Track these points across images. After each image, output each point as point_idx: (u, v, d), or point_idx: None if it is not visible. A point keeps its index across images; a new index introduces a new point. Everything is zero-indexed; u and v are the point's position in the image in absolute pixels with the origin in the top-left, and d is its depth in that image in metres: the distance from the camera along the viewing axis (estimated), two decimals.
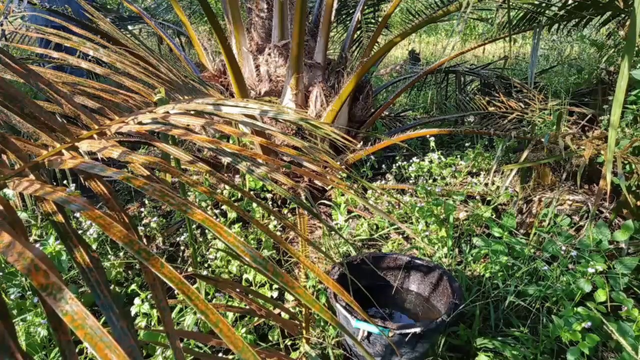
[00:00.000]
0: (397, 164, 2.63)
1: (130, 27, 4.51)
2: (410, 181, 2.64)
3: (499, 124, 2.87)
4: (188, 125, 0.77)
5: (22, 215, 1.94)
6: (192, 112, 0.83)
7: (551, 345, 1.56)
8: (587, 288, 1.62)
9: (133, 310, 1.51)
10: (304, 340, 1.47)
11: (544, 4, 2.88)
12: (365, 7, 3.83)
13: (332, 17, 2.72)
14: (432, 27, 9.80)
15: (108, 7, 5.23)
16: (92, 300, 1.74)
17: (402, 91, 3.36)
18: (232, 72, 2.20)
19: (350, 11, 4.42)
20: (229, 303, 1.58)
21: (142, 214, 2.12)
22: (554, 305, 1.69)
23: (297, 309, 1.63)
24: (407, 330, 1.34)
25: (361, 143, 2.80)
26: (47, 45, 3.43)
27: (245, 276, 1.80)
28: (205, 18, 2.13)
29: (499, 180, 2.56)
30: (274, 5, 2.63)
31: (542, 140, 2.31)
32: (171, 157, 0.76)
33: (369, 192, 2.45)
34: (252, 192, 2.33)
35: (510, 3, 2.57)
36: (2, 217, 0.47)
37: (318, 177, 0.74)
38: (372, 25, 4.42)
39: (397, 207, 2.43)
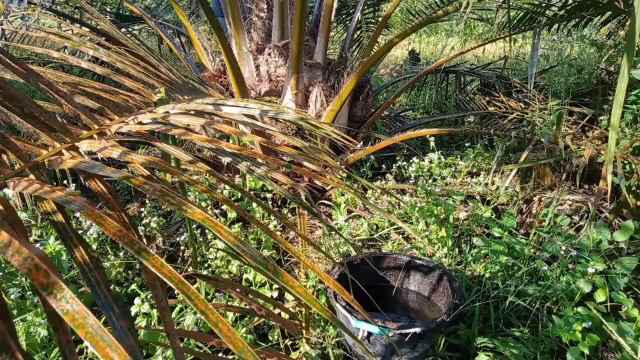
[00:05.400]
0: (397, 164, 2.63)
1: (136, 27, 4.50)
2: (410, 181, 2.64)
3: (499, 124, 2.87)
4: (188, 125, 0.77)
5: (22, 215, 1.94)
6: (192, 112, 0.83)
7: (551, 345, 1.56)
8: (587, 288, 1.62)
9: (133, 310, 1.51)
10: (304, 340, 1.47)
11: (544, 4, 2.88)
12: (365, 7, 3.83)
13: (332, 17, 2.72)
14: (432, 27, 9.79)
15: (108, 6, 5.23)
16: (92, 300, 1.74)
17: (402, 91, 3.35)
18: (232, 72, 2.20)
19: (350, 11, 4.42)
20: (229, 303, 1.58)
21: (142, 214, 2.12)
22: (554, 305, 1.69)
23: (297, 309, 1.63)
24: (407, 330, 1.34)
25: (361, 143, 2.80)
26: None
27: (245, 276, 1.80)
28: (205, 18, 2.13)
29: (499, 180, 2.56)
30: (274, 5, 2.63)
31: (542, 140, 2.32)
32: (171, 157, 0.76)
33: (369, 192, 2.45)
34: (252, 192, 2.33)
35: (510, 3, 2.57)
36: (2, 217, 0.47)
37: (318, 177, 0.74)
38: (372, 25, 4.42)
39: (397, 207, 2.43)
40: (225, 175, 2.56)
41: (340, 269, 1.62)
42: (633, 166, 2.03)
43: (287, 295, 1.75)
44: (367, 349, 1.47)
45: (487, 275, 1.79)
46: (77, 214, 1.94)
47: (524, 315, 1.74)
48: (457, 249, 2.08)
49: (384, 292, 1.79)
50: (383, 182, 2.75)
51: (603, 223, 1.84)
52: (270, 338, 1.61)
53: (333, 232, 2.13)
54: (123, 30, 3.67)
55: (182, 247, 2.12)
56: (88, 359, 1.45)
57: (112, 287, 1.56)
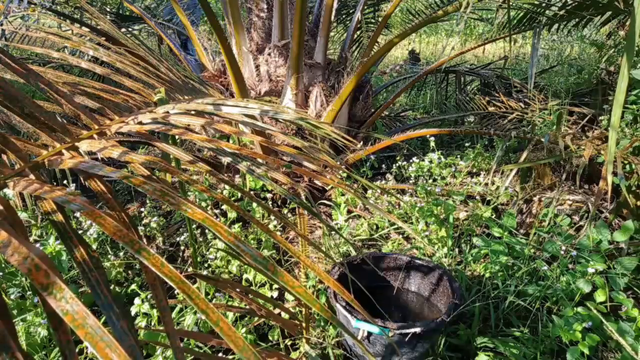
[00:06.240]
0: (397, 164, 2.63)
1: (136, 27, 4.50)
2: (410, 181, 2.64)
3: (499, 124, 2.86)
4: (188, 125, 0.77)
5: (22, 215, 1.94)
6: (192, 112, 0.83)
7: (551, 345, 1.56)
8: (587, 288, 1.62)
9: (133, 310, 1.51)
10: (304, 340, 1.47)
11: (544, 4, 2.88)
12: (365, 7, 3.83)
13: (332, 17, 2.72)
14: (432, 27, 9.79)
15: (108, 6, 5.22)
16: (92, 300, 1.74)
17: (402, 91, 3.35)
18: (232, 72, 2.20)
19: (350, 11, 4.42)
20: (229, 303, 1.58)
21: (142, 214, 2.12)
22: (554, 305, 1.69)
23: (297, 309, 1.63)
24: (407, 330, 1.34)
25: (361, 143, 2.80)
26: None
27: (245, 276, 1.80)
28: (205, 18, 2.13)
29: (499, 180, 2.56)
30: (274, 5, 2.63)
31: (542, 140, 2.31)
32: (171, 157, 0.76)
33: (369, 192, 2.45)
34: (252, 192, 2.33)
35: (510, 3, 2.57)
36: (2, 217, 0.47)
37: (318, 177, 0.74)
38: (372, 25, 4.42)
39: (397, 207, 2.43)
40: (225, 175, 2.56)
41: (340, 269, 1.62)
42: (633, 166, 2.03)
43: (287, 295, 1.75)
44: (367, 349, 1.46)
45: (487, 275, 1.79)
46: (77, 214, 1.94)
47: (524, 315, 1.74)
48: (457, 249, 2.08)
49: (384, 292, 1.79)
50: (383, 182, 2.75)
51: (603, 223, 1.84)
52: (270, 338, 1.61)
53: (333, 232, 2.13)
54: (123, 30, 3.67)
55: (182, 247, 2.12)
56: (88, 359, 1.45)
57: (112, 287, 1.56)
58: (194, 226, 1.98)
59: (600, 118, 2.69)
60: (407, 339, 1.36)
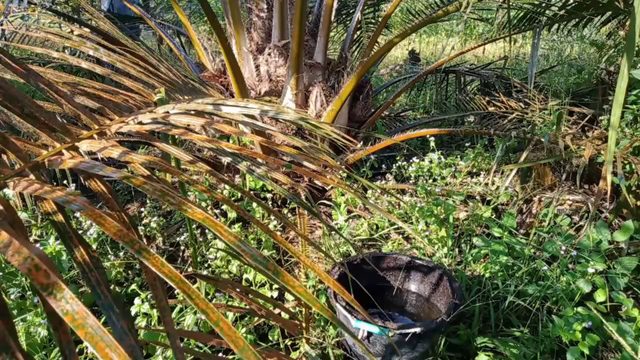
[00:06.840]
0: (397, 164, 2.63)
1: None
2: (410, 181, 2.64)
3: (499, 124, 2.86)
4: (188, 125, 0.77)
5: (22, 215, 1.94)
6: (192, 112, 0.83)
7: (551, 345, 1.56)
8: (587, 288, 1.62)
9: (133, 310, 1.51)
10: (304, 340, 1.47)
11: (544, 4, 2.88)
12: (365, 7, 3.83)
13: (332, 17, 2.72)
14: (432, 27, 9.79)
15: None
16: (93, 300, 1.74)
17: (402, 91, 3.35)
18: (232, 72, 2.20)
19: (350, 11, 4.42)
20: (229, 303, 1.58)
21: (142, 214, 2.12)
22: (554, 305, 1.69)
23: (297, 309, 1.63)
24: (407, 330, 1.34)
25: (361, 143, 2.80)
26: None
27: (245, 276, 1.80)
28: (205, 18, 2.13)
29: (499, 180, 2.56)
30: (274, 5, 2.63)
31: (542, 140, 2.31)
32: (171, 157, 0.76)
33: (369, 192, 2.45)
34: (252, 192, 2.33)
35: (510, 3, 2.57)
36: (2, 217, 0.47)
37: (318, 177, 0.74)
38: (372, 25, 4.42)
39: (397, 207, 2.43)
40: (225, 175, 2.56)
41: (340, 268, 1.62)
42: (633, 166, 2.03)
43: (287, 295, 1.75)
44: (367, 348, 1.46)
45: (487, 275, 1.79)
46: (77, 214, 1.94)
47: (524, 315, 1.74)
48: (457, 249, 2.07)
49: (384, 292, 1.79)
50: (383, 182, 2.74)
51: (603, 223, 1.84)
52: (270, 338, 1.61)
53: (333, 232, 2.13)
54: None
55: (182, 247, 2.12)
56: (88, 359, 1.45)
57: (112, 287, 1.56)
58: (194, 226, 1.98)
59: (600, 118, 2.69)
60: (407, 339, 1.36)
